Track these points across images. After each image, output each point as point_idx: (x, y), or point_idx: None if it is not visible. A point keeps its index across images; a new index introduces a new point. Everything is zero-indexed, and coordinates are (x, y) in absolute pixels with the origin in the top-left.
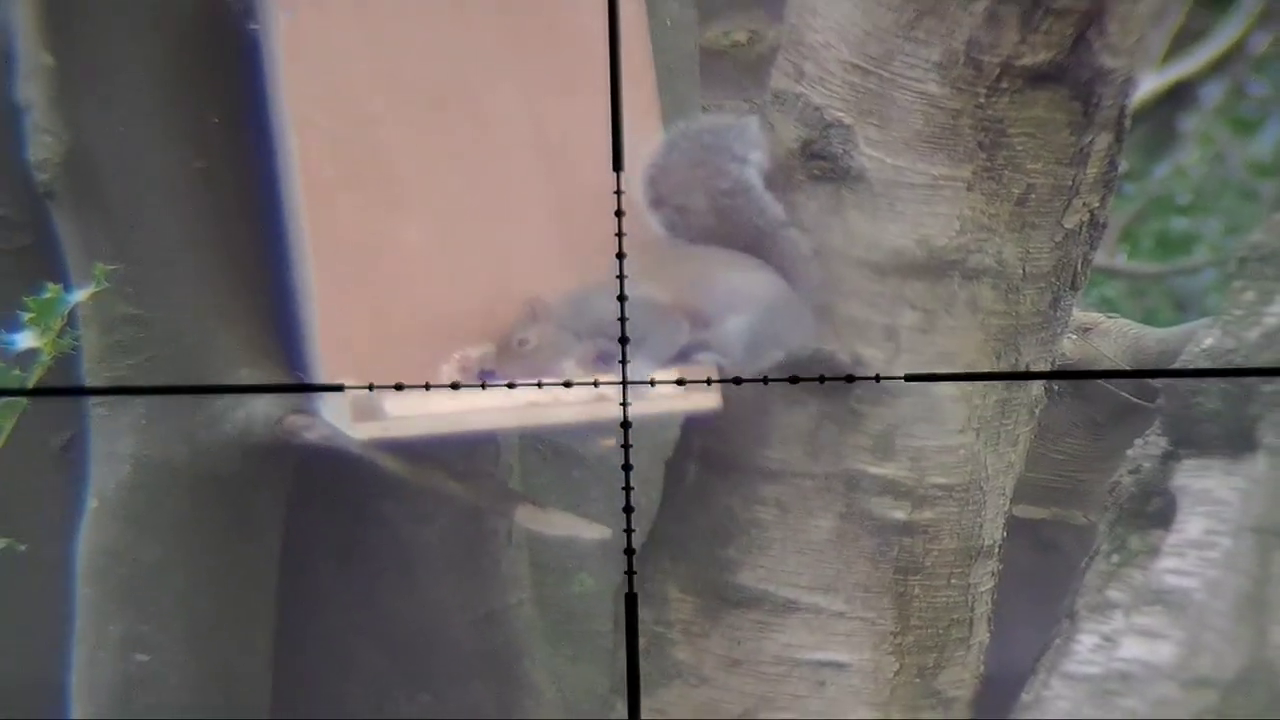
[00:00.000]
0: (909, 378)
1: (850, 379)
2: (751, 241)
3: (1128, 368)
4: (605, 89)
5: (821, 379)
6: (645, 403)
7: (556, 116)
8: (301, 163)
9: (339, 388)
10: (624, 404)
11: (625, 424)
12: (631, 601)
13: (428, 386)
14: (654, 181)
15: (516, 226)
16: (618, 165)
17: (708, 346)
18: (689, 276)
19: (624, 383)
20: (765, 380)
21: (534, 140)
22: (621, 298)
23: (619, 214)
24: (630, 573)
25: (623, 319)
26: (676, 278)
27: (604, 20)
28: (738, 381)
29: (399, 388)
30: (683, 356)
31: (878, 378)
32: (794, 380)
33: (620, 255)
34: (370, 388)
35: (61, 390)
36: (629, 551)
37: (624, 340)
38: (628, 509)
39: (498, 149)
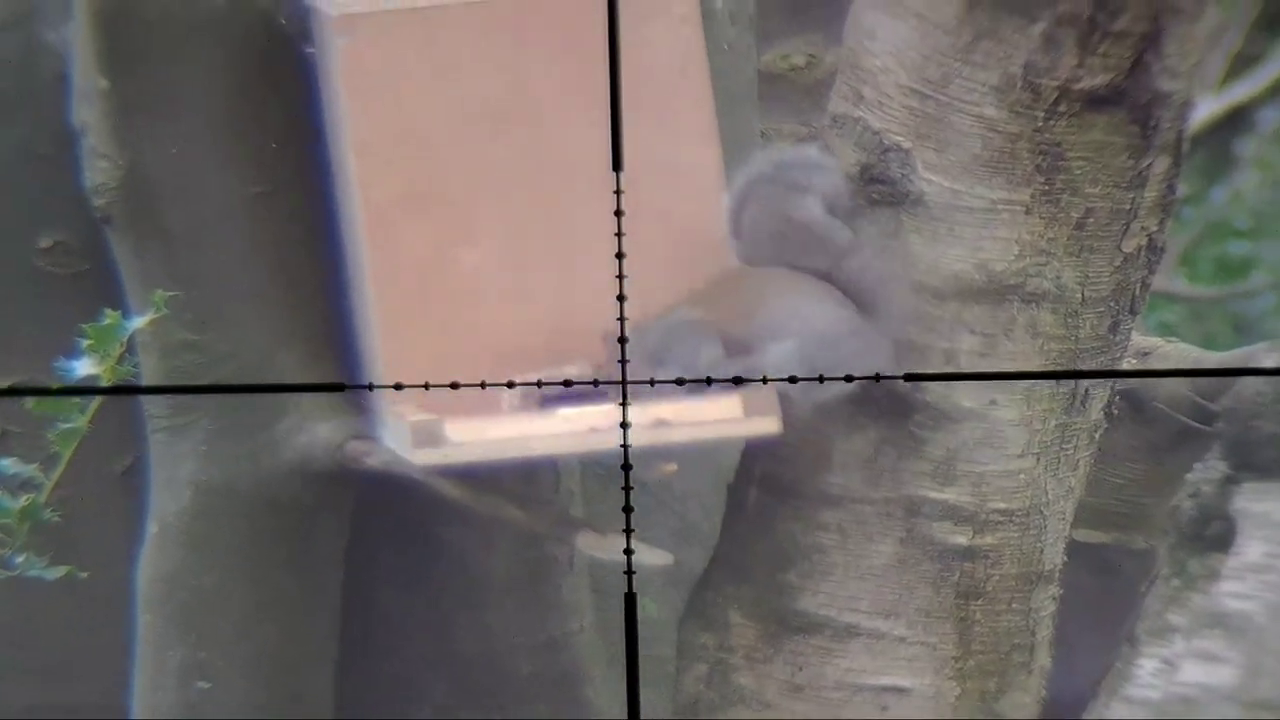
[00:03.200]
0: (907, 377)
1: (849, 379)
2: (825, 270)
3: (1187, 393)
4: (675, 110)
5: (820, 379)
6: (704, 429)
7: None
8: (360, 186)
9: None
10: (623, 403)
11: (624, 424)
12: (631, 602)
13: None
14: (733, 216)
15: (577, 248)
16: (617, 165)
17: (760, 371)
18: (737, 301)
19: (623, 382)
20: (764, 380)
21: (595, 162)
22: (621, 298)
23: (618, 214)
24: (629, 573)
25: (622, 319)
26: (724, 302)
27: (666, 40)
28: (738, 381)
29: (400, 387)
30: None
31: (877, 377)
32: (792, 380)
33: (620, 255)
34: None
35: (121, 389)
36: (628, 552)
37: (623, 340)
38: (627, 508)
39: (558, 170)
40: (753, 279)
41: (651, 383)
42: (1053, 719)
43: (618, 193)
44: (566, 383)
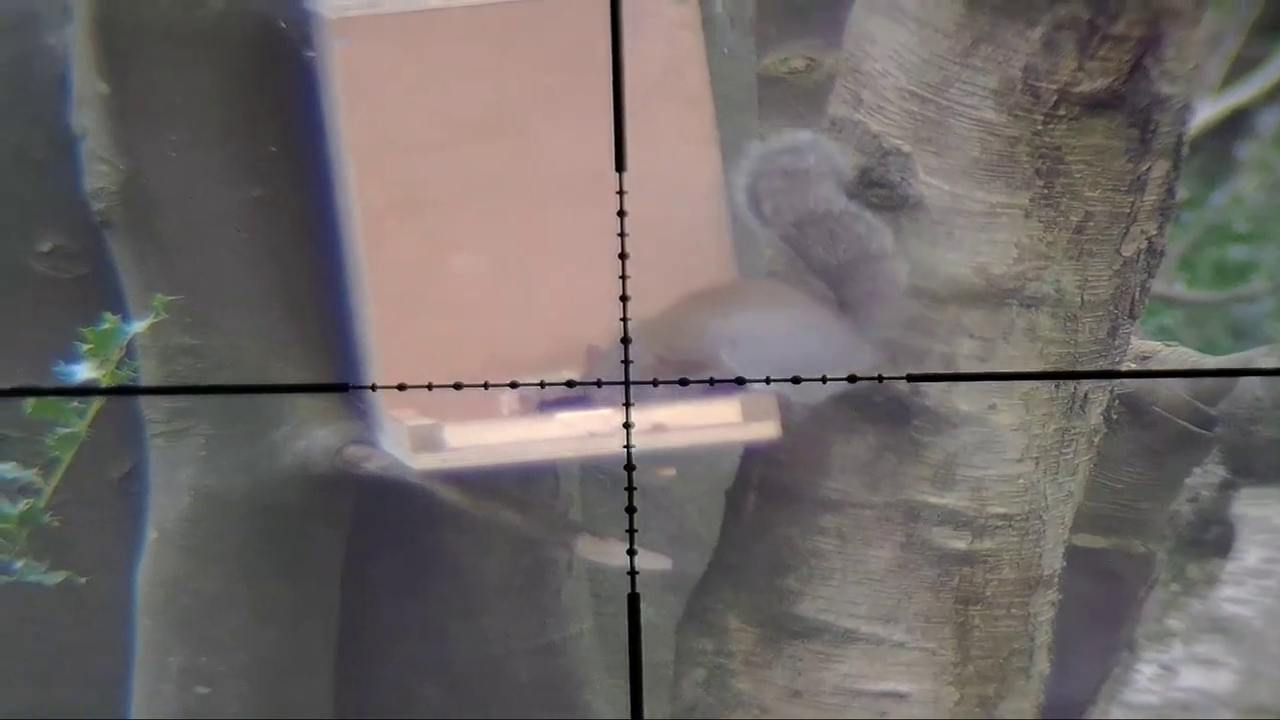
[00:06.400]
0: (910, 378)
1: (853, 379)
2: (823, 270)
3: (1186, 397)
4: (674, 114)
5: (824, 379)
6: (702, 433)
7: (610, 146)
8: (358, 191)
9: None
10: (626, 404)
11: (627, 424)
12: (634, 602)
13: (429, 387)
14: (754, 204)
15: (575, 252)
16: (619, 166)
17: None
18: (685, 326)
19: (626, 383)
20: (767, 380)
21: (592, 166)
22: (624, 298)
23: (621, 214)
24: (632, 573)
25: (624, 319)
26: (671, 332)
27: (660, 47)
28: (740, 381)
29: (401, 388)
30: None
31: (879, 378)
32: (795, 380)
33: (622, 256)
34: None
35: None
36: (630, 552)
37: (626, 340)
38: (630, 508)
39: (554, 178)
40: (703, 299)
41: (655, 383)
42: None
43: (621, 193)
44: (569, 383)
